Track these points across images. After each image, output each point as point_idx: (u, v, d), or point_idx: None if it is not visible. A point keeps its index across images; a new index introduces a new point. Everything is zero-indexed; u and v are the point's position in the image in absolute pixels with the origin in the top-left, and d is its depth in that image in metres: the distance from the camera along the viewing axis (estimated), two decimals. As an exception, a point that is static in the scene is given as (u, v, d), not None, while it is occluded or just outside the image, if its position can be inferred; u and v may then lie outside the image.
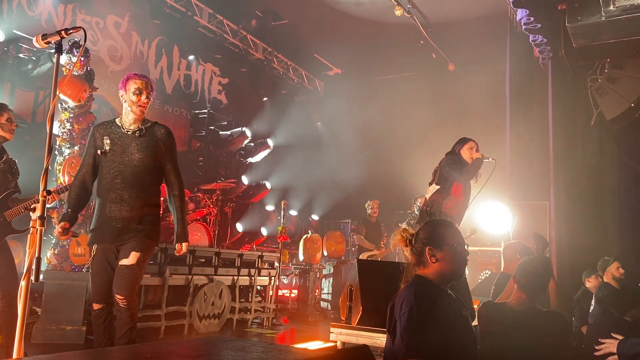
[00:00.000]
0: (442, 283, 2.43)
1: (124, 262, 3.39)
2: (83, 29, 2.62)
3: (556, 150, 8.08)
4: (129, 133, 3.58)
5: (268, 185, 10.65)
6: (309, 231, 9.03)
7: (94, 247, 3.53)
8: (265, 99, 11.72)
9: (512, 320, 3.09)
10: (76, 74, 5.44)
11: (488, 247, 8.15)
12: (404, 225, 2.59)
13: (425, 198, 5.61)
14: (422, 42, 10.41)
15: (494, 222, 7.63)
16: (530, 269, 3.23)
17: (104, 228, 3.50)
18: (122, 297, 3.34)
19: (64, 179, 5.48)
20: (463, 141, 5.38)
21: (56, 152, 5.54)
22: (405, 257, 2.60)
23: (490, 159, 5.33)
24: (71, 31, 2.65)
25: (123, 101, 3.61)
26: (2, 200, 4.02)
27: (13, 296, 3.86)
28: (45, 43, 2.67)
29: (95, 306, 3.47)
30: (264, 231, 10.75)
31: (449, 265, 2.41)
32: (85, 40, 2.73)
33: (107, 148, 3.54)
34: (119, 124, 3.62)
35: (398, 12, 9.07)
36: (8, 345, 3.56)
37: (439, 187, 5.36)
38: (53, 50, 2.69)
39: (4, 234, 3.96)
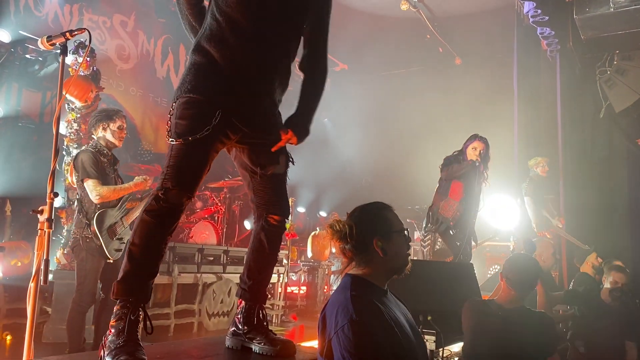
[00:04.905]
0: (383, 281, 1.98)
1: None
2: (88, 30, 2.62)
3: (565, 143, 8.03)
4: None
5: (276, 182, 10.65)
6: (317, 228, 9.03)
7: None
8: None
9: (501, 318, 2.99)
10: (82, 74, 5.46)
11: (496, 242, 8.10)
12: (335, 216, 2.14)
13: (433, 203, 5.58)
14: (428, 36, 10.35)
15: (503, 216, 7.60)
16: (518, 264, 3.14)
17: None
18: None
19: (71, 179, 5.50)
20: (471, 138, 5.30)
21: (64, 153, 5.57)
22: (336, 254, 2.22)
23: (477, 162, 5.16)
24: (76, 32, 2.64)
25: None
26: (121, 206, 4.16)
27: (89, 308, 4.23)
28: (50, 45, 2.67)
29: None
30: (282, 237, 10.75)
31: (397, 258, 1.96)
32: (90, 41, 2.73)
33: None
34: None
35: (404, 6, 9.02)
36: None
37: (438, 186, 5.35)
38: (59, 52, 2.70)
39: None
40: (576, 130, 8.39)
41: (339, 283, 1.99)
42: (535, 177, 7.30)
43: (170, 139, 2.15)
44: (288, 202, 2.45)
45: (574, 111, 8.35)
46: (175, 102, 2.20)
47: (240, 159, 2.41)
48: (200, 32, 2.30)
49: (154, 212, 2.11)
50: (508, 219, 7.62)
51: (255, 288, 2.39)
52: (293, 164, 2.47)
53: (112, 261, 4.09)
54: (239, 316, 2.37)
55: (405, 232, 2.02)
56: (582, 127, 8.58)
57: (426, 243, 7.70)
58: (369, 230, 1.96)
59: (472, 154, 5.21)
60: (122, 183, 4.24)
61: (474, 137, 5.27)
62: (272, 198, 2.39)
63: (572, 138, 8.23)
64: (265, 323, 2.35)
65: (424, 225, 8.28)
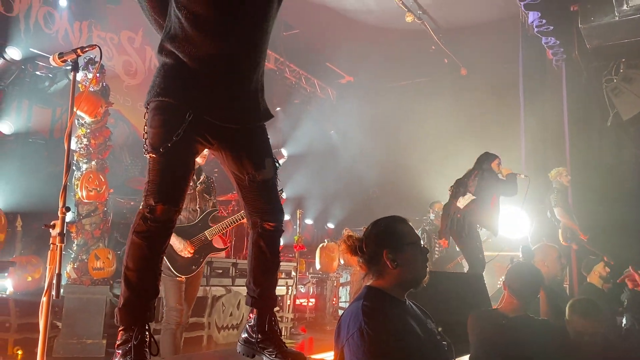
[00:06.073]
0: (400, 292, 2.03)
1: None
2: (99, 46, 2.65)
3: (572, 153, 8.00)
4: None
5: (283, 195, 10.63)
6: (325, 240, 9.02)
7: None
8: (278, 108, 11.76)
9: (505, 327, 2.99)
10: (92, 90, 5.52)
11: (506, 252, 8.05)
12: (347, 231, 2.20)
13: (458, 207, 5.78)
14: (433, 47, 10.39)
15: (511, 226, 7.57)
16: (520, 272, 3.16)
17: None
18: None
19: (81, 193, 5.56)
20: (492, 157, 5.79)
21: (74, 167, 5.61)
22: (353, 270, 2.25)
23: (523, 176, 5.84)
24: (87, 49, 2.68)
25: None
26: (203, 221, 4.02)
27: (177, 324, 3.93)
28: (62, 61, 2.71)
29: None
30: (280, 241, 10.74)
31: (411, 269, 2.00)
32: (101, 57, 2.77)
33: None
34: None
35: (409, 18, 9.07)
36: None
37: (475, 198, 5.65)
38: (69, 68, 2.73)
39: (207, 253, 4.02)
40: (583, 139, 8.35)
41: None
42: (561, 187, 7.33)
43: (146, 153, 2.07)
44: (281, 207, 2.38)
45: (581, 120, 8.32)
46: (147, 107, 2.13)
47: (227, 166, 2.33)
48: (164, 31, 2.21)
49: (143, 233, 2.05)
50: (516, 229, 7.60)
51: (264, 294, 2.36)
52: (279, 165, 2.37)
53: (183, 279, 3.93)
54: (252, 324, 2.34)
55: (420, 244, 2.06)
56: (590, 136, 8.55)
57: None
58: (379, 243, 2.02)
59: (497, 169, 5.82)
60: (207, 197, 4.13)
61: (492, 156, 5.81)
62: (264, 205, 2.30)
63: (579, 147, 8.20)
64: (278, 333, 2.32)
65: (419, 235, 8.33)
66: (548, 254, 4.77)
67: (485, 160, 5.83)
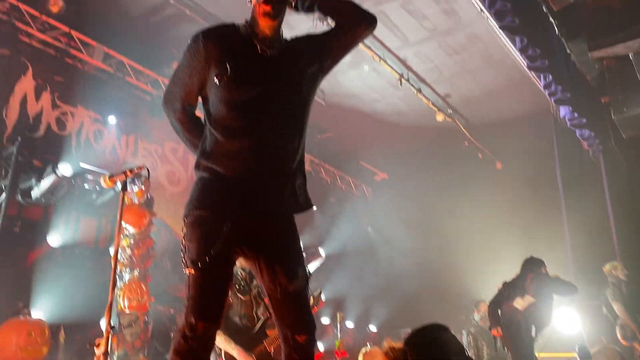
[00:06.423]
0: None
1: None
2: (146, 168, 2.80)
3: (621, 245, 7.71)
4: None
5: (322, 297, 10.44)
6: (368, 344, 8.68)
7: None
8: (314, 208, 11.84)
9: None
10: (137, 202, 5.73)
11: (561, 353, 7.57)
12: (389, 343, 2.08)
13: (516, 308, 5.61)
14: (466, 143, 10.52)
15: (563, 325, 7.19)
16: None
17: None
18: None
19: (124, 303, 5.60)
20: (541, 261, 5.76)
21: (117, 277, 5.70)
22: None
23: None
24: (135, 170, 2.84)
25: None
26: (261, 329, 3.85)
27: None
28: (112, 182, 2.87)
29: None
30: (321, 347, 10.38)
31: None
32: (148, 177, 2.91)
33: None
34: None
35: (439, 117, 9.30)
36: None
37: (535, 301, 5.52)
38: (119, 188, 2.88)
39: None
40: (631, 230, 8.05)
41: None
42: (617, 281, 7.03)
43: (185, 268, 2.08)
44: (312, 317, 2.31)
45: (626, 210, 8.08)
46: (185, 221, 2.15)
47: (260, 277, 2.31)
48: (200, 148, 2.26)
49: (184, 352, 2.00)
50: (569, 328, 7.20)
51: None
52: (310, 274, 2.37)
53: None
54: None
55: (465, 353, 2.02)
56: (637, 224, 8.25)
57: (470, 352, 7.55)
58: (424, 355, 1.95)
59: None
60: (260, 301, 3.93)
61: (541, 261, 5.78)
62: (296, 317, 2.26)
63: (628, 238, 7.90)
64: None
65: (465, 339, 8.01)
66: (611, 358, 4.51)
67: (535, 264, 5.80)
